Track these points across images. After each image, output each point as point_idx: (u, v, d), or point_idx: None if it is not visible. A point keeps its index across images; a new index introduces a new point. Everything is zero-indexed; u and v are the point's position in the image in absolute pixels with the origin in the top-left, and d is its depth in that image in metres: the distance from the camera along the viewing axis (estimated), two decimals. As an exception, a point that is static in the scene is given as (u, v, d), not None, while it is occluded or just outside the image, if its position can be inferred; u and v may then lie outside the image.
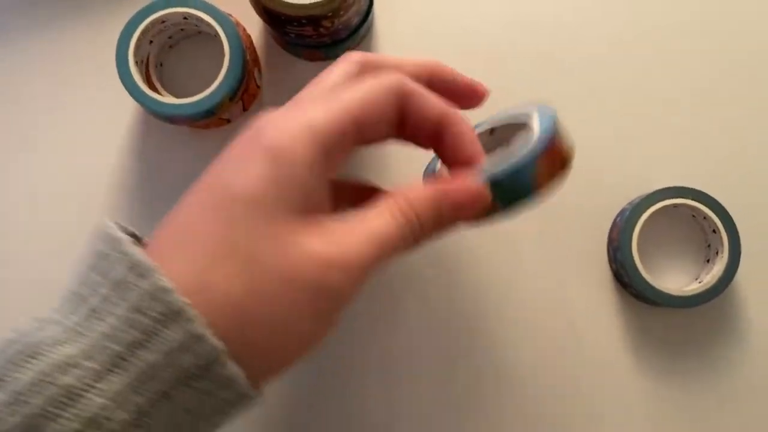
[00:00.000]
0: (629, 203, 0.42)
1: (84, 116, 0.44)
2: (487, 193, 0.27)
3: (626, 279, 0.41)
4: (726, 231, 0.40)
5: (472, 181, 0.27)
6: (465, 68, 0.44)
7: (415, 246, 0.27)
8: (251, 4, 0.39)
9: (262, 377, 0.25)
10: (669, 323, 0.42)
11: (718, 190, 0.41)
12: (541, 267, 0.43)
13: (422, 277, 0.43)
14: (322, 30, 0.39)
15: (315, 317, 0.24)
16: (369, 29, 0.44)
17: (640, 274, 0.40)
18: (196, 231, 0.24)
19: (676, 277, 0.43)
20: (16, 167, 0.44)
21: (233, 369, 0.23)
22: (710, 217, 0.41)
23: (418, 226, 0.26)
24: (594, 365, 0.42)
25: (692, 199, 0.41)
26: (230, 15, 0.41)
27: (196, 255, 0.23)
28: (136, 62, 0.39)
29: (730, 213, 0.40)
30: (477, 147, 0.29)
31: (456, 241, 0.43)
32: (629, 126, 0.44)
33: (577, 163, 0.43)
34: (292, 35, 0.40)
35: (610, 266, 0.43)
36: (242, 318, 0.23)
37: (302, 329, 0.24)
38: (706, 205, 0.41)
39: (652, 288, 0.40)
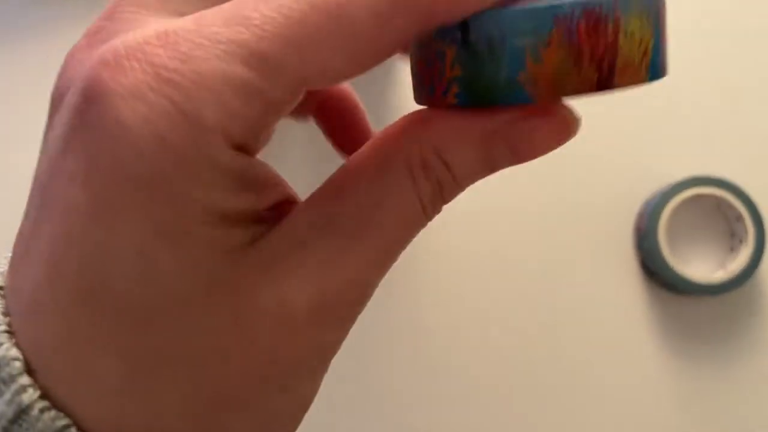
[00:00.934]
0: (655, 193, 0.43)
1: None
2: (577, 121, 0.16)
3: (653, 267, 0.41)
4: (751, 219, 0.41)
5: (561, 108, 0.16)
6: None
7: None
8: None
9: None
10: (695, 311, 0.43)
11: (742, 178, 0.42)
12: (567, 255, 0.43)
13: (447, 266, 0.43)
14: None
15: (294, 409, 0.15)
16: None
17: (667, 263, 0.40)
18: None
19: (700, 266, 0.43)
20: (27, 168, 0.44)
21: None
22: (735, 206, 0.41)
23: (453, 186, 0.16)
24: (620, 351, 0.43)
25: (717, 188, 0.41)
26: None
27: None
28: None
29: (755, 202, 0.41)
30: None
31: (480, 230, 0.43)
32: (653, 115, 0.44)
33: (602, 153, 0.44)
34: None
35: (637, 254, 0.43)
36: None
37: None
38: (731, 194, 0.41)
39: (680, 277, 0.40)
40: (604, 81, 0.15)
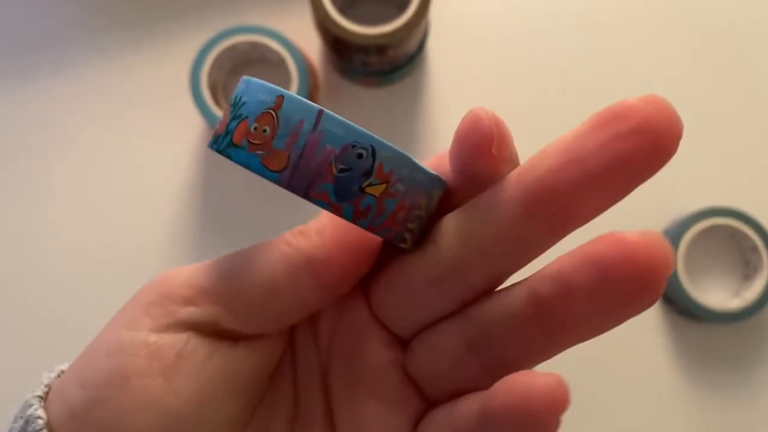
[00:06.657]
0: (673, 223, 0.44)
1: (153, 138, 0.46)
2: None
3: (671, 295, 0.43)
4: (766, 250, 0.43)
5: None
6: (512, 97, 0.46)
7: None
8: (320, 33, 0.41)
9: None
10: (712, 337, 0.44)
11: (757, 210, 0.43)
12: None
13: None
14: (385, 58, 0.41)
15: None
16: (423, 57, 0.46)
17: (685, 291, 0.42)
18: None
19: (716, 294, 0.45)
20: (96, 178, 0.45)
21: None
22: (750, 237, 0.43)
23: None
24: (639, 375, 0.44)
25: (733, 219, 0.43)
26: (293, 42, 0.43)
27: None
28: (209, 86, 0.41)
29: (769, 232, 0.43)
30: None
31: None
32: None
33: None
34: (357, 63, 0.42)
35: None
36: None
37: None
38: (745, 225, 0.43)
39: (698, 304, 0.42)
40: None
